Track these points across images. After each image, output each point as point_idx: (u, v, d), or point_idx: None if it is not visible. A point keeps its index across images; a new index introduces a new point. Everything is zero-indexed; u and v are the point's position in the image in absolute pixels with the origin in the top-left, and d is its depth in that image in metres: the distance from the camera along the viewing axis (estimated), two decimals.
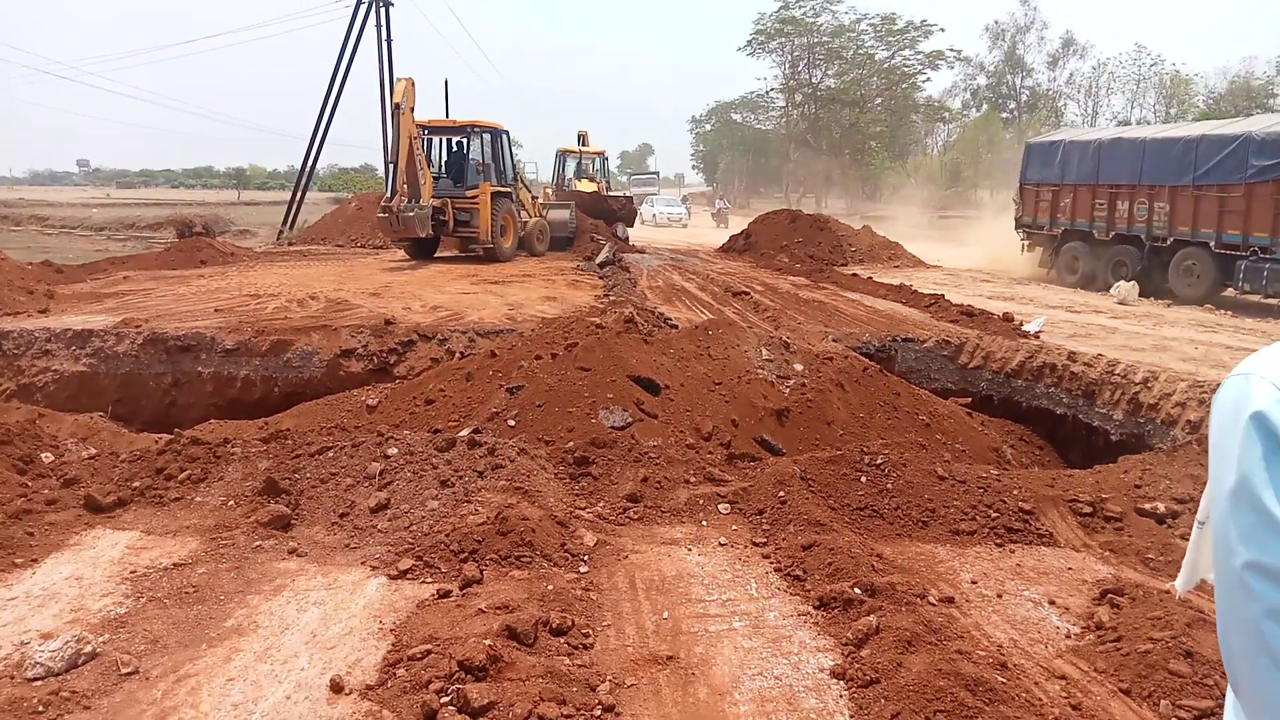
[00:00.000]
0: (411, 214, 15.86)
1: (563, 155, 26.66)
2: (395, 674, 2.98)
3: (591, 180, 26.29)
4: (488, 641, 3.03)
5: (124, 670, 3.01)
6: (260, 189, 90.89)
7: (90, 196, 69.97)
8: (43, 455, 5.07)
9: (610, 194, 26.99)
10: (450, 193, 17.05)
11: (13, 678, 2.93)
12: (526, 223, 19.02)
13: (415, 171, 15.99)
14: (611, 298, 12.18)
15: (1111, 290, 14.25)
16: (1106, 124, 66.23)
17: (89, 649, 3.07)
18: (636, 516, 4.62)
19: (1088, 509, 4.73)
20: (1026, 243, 18.57)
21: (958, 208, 63.59)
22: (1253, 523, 0.88)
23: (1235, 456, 0.91)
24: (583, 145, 26.59)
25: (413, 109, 16.14)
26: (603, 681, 3.00)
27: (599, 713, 2.83)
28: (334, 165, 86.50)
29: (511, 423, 6.07)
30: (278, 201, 44.06)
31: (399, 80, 16.18)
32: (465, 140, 17.73)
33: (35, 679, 2.91)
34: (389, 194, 16.28)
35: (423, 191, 16.14)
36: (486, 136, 17.71)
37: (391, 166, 16.34)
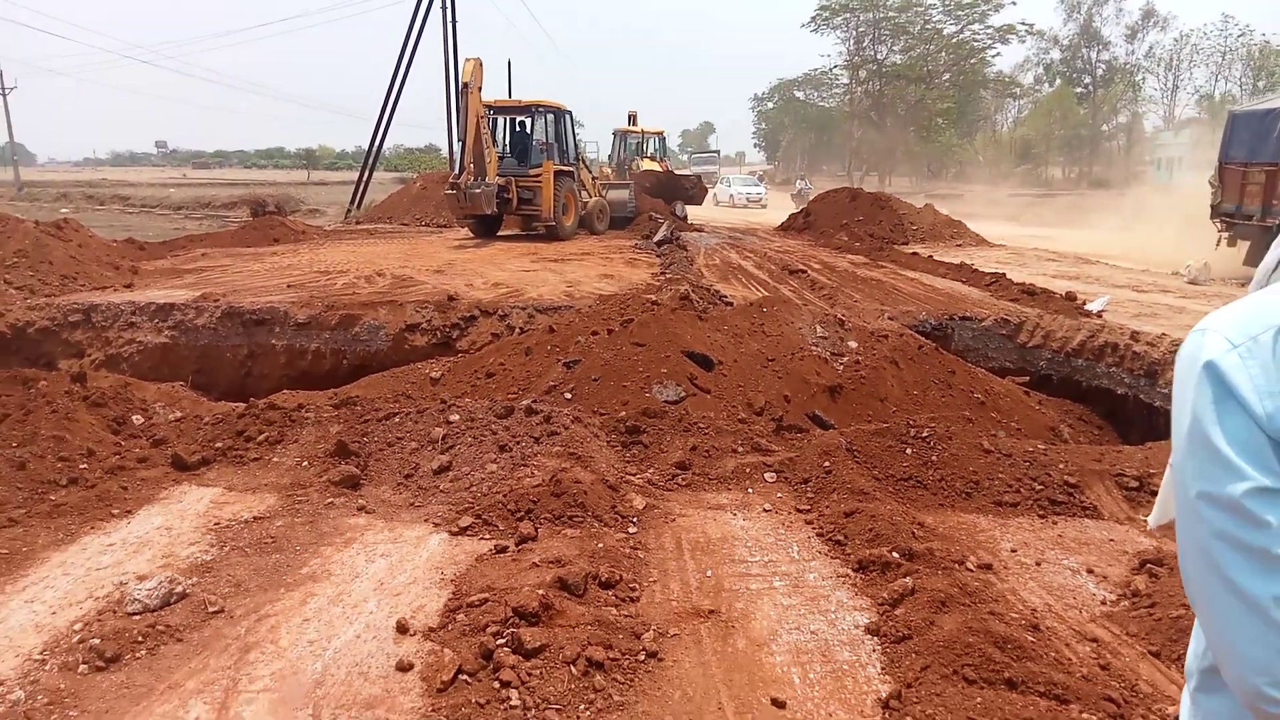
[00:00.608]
0: (478, 191, 16.21)
1: (622, 135, 26.74)
2: (455, 618, 3.21)
3: (653, 159, 26.37)
4: (541, 591, 3.23)
5: (211, 609, 3.30)
6: (329, 169, 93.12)
7: (168, 177, 72.60)
8: (134, 417, 5.45)
9: (681, 173, 27.14)
10: (514, 171, 17.36)
11: (114, 612, 3.25)
12: (587, 202, 19.27)
13: (482, 150, 16.32)
14: (668, 275, 12.32)
15: (1182, 269, 13.86)
16: (1187, 99, 63.68)
17: (180, 589, 3.37)
18: (684, 483, 4.78)
19: (1134, 484, 4.74)
20: (1226, 235, 15.34)
21: (1029, 186, 62.03)
22: (1204, 458, 1.02)
23: (1190, 401, 1.04)
24: (632, 125, 26.66)
25: (480, 88, 16.45)
26: (647, 630, 3.19)
27: (643, 658, 3.03)
28: (400, 145, 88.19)
29: (568, 395, 6.28)
30: (346, 181, 45.20)
31: (467, 60, 16.49)
32: (530, 120, 18.06)
33: (134, 614, 3.22)
34: (456, 172, 16.63)
35: (488, 170, 16.48)
36: (550, 116, 17.99)
37: (459, 145, 16.69)
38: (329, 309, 10.01)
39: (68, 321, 9.89)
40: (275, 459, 4.96)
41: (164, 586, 3.33)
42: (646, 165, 25.43)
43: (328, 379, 9.54)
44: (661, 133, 28.34)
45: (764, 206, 38.73)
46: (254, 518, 4.20)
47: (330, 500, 4.43)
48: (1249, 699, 0.98)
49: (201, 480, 4.71)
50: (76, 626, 3.14)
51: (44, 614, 3.26)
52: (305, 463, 4.86)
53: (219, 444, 5.09)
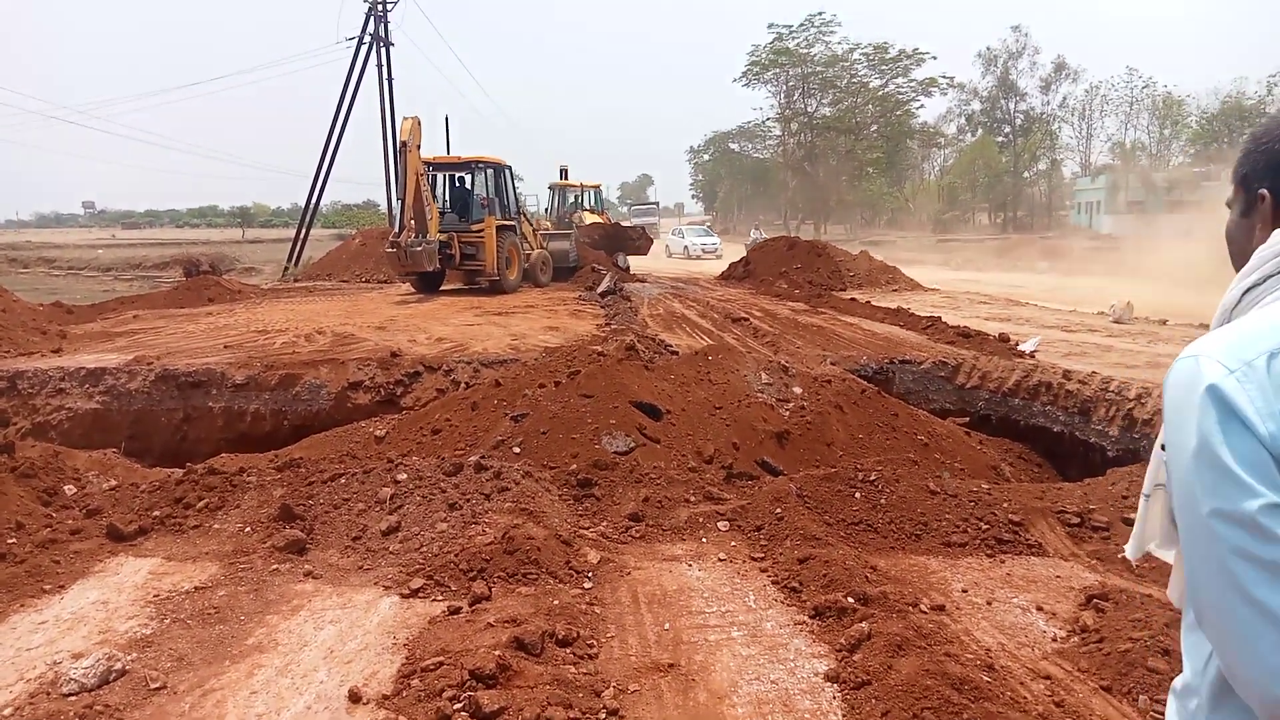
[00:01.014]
0: (419, 249, 16.23)
1: (560, 189, 26.95)
2: (410, 684, 3.13)
3: (593, 212, 26.65)
4: (497, 652, 3.18)
5: (153, 685, 3.17)
6: (264, 226, 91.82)
7: (96, 238, 70.78)
8: (66, 487, 5.25)
9: (626, 225, 27.52)
10: (456, 227, 17.45)
11: (48, 694, 3.09)
12: (530, 254, 19.39)
13: (422, 207, 16.36)
14: (613, 326, 12.39)
15: (1108, 309, 14.42)
16: (1101, 146, 66.93)
17: (119, 666, 3.23)
18: (638, 535, 4.77)
19: (1076, 519, 4.87)
20: None
21: (956, 231, 64.12)
22: (1213, 477, 1.06)
23: (1194, 423, 1.09)
24: (564, 179, 26.95)
25: (419, 146, 16.53)
26: (607, 688, 3.15)
27: (604, 716, 2.98)
28: (337, 202, 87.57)
29: (517, 449, 6.23)
30: (282, 239, 44.65)
31: (405, 119, 16.57)
32: (470, 176, 18.20)
33: (70, 694, 3.07)
34: (397, 230, 16.62)
35: (429, 226, 16.51)
36: (490, 172, 18.15)
37: (399, 203, 16.72)
38: (268, 369, 9.82)
39: None
40: (216, 526, 4.81)
41: (101, 664, 3.19)
42: (589, 218, 25.66)
43: (268, 441, 9.30)
44: (599, 186, 28.73)
45: (719, 258, 36.49)
46: (195, 588, 4.06)
47: (275, 566, 4.30)
48: (1271, 708, 1.01)
49: (139, 551, 4.53)
50: (7, 712, 2.98)
51: None
52: (248, 529, 4.72)
53: (156, 512, 4.92)
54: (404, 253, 16.30)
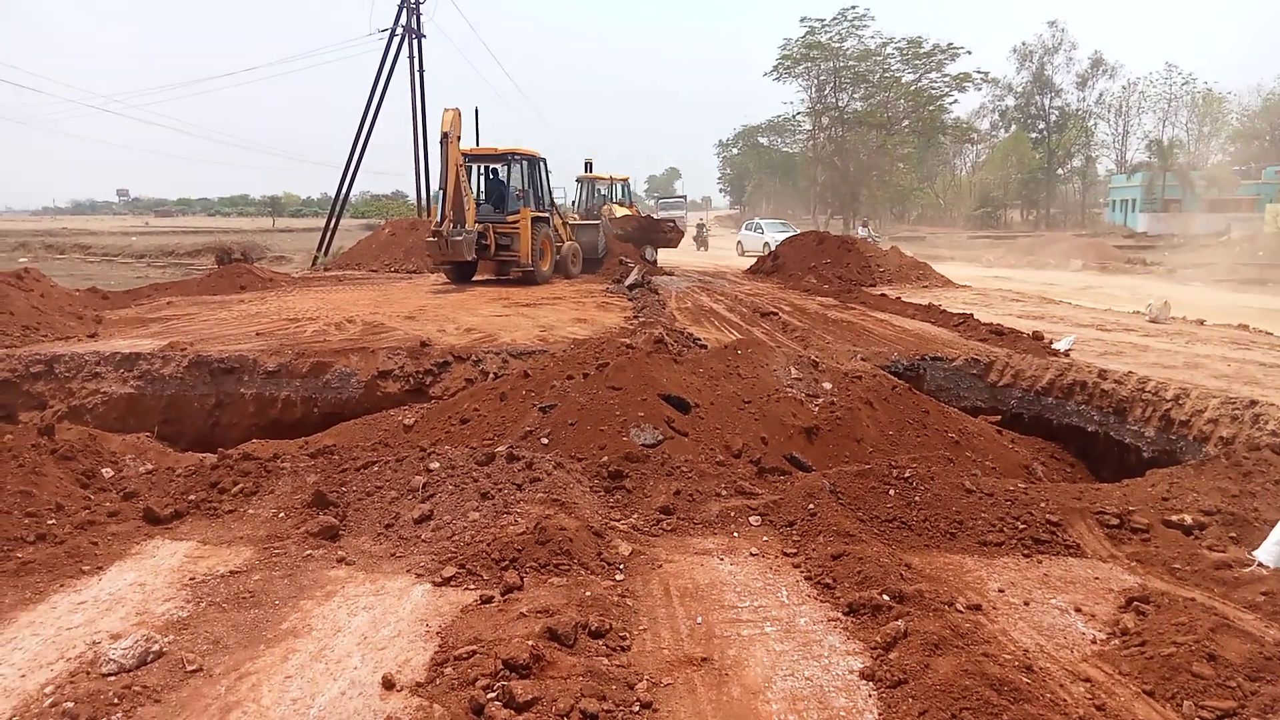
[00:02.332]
0: (459, 239, 16.53)
1: (589, 182, 26.87)
2: (443, 672, 3.14)
3: (622, 205, 26.58)
4: (530, 642, 3.17)
5: (189, 668, 3.19)
6: (294, 216, 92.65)
7: (130, 225, 71.82)
8: (103, 470, 5.32)
9: (659, 217, 27.40)
10: (491, 218, 17.65)
11: (88, 673, 3.13)
12: (561, 246, 19.56)
13: (461, 198, 16.60)
14: (641, 319, 12.36)
15: (1144, 308, 14.19)
16: (1137, 144, 65.90)
17: (156, 648, 3.26)
18: (669, 528, 4.75)
19: (1115, 521, 4.79)
20: None
21: (988, 228, 63.40)
22: None
23: None
24: (590, 172, 26.82)
25: (459, 138, 16.74)
26: (640, 680, 3.13)
27: (637, 709, 2.97)
28: (366, 192, 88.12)
29: (545, 440, 6.23)
30: (312, 228, 45.02)
31: (446, 110, 16.71)
32: (505, 167, 18.33)
33: (109, 674, 3.10)
34: (438, 219, 16.80)
35: (467, 217, 16.76)
36: (525, 164, 18.25)
37: (440, 193, 16.88)
38: (299, 356, 9.89)
39: (29, 373, 9.66)
40: (251, 511, 4.85)
41: (140, 645, 3.22)
42: (619, 211, 25.60)
43: (298, 427, 9.39)
44: (627, 179, 28.60)
45: None
46: (230, 572, 4.09)
47: (309, 552, 4.33)
48: None
49: (175, 534, 4.58)
50: (48, 690, 3.02)
51: (12, 677, 3.13)
52: (282, 514, 4.76)
53: (192, 496, 4.97)
54: (445, 242, 16.56)
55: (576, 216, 24.91)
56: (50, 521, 4.50)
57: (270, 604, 3.77)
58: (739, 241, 37.60)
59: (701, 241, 42.45)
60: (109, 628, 3.51)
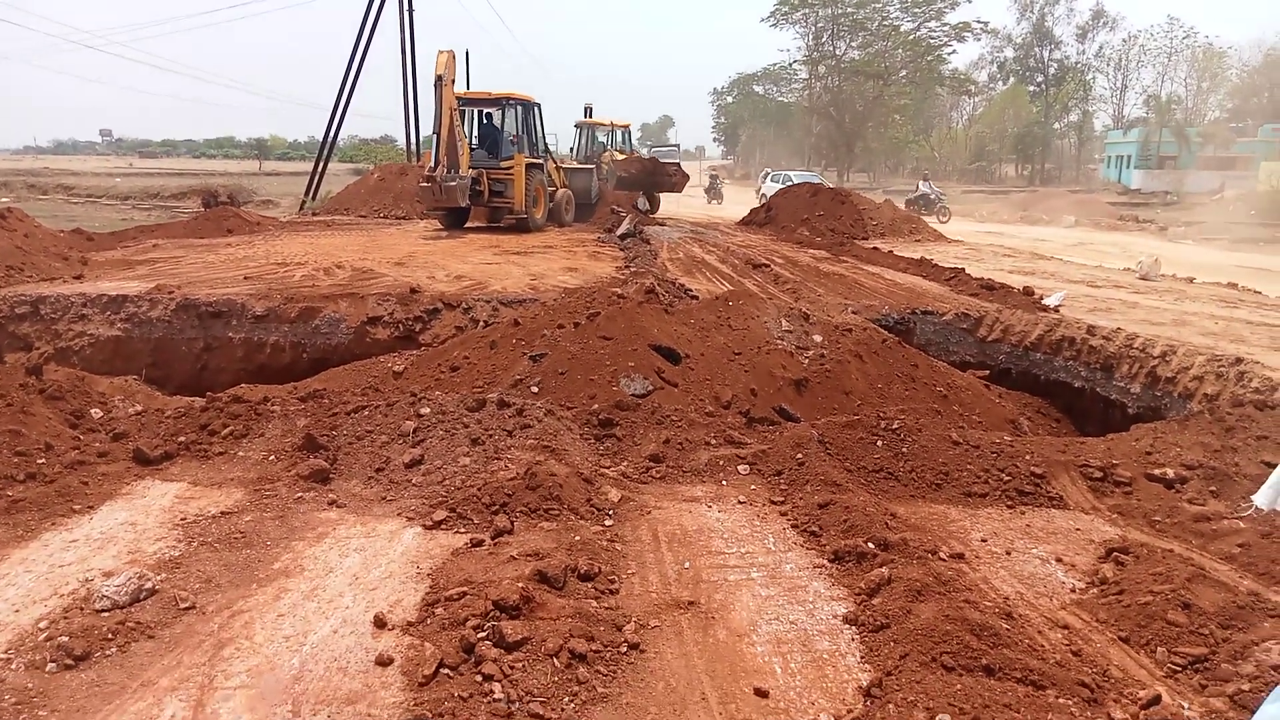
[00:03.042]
0: (453, 184, 16.27)
1: (589, 129, 26.18)
2: (434, 612, 3.19)
3: (621, 153, 26.18)
4: (520, 584, 3.22)
5: (182, 605, 3.23)
6: (281, 159, 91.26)
7: (114, 166, 70.61)
8: (92, 411, 5.31)
9: (666, 161, 26.72)
10: (485, 164, 17.39)
11: (81, 609, 3.16)
12: (555, 193, 19.35)
13: (455, 143, 16.31)
14: (632, 269, 12.31)
15: (1134, 265, 14.21)
16: (1135, 99, 65.37)
17: (149, 585, 3.30)
18: (659, 475, 4.79)
19: (1098, 474, 4.86)
20: None
21: (982, 182, 63.07)
22: None
23: None
24: (588, 117, 26.32)
25: (453, 81, 16.44)
26: (628, 622, 3.19)
27: (624, 649, 3.03)
28: (354, 136, 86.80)
29: (535, 389, 6.25)
30: (299, 172, 44.38)
31: (440, 52, 16.36)
32: (500, 112, 18.05)
33: (102, 610, 3.14)
34: (432, 164, 16.56)
35: (461, 163, 16.50)
36: (520, 109, 18.00)
37: (434, 138, 16.61)
38: (288, 301, 9.83)
39: (14, 314, 9.59)
40: (241, 453, 4.86)
41: (133, 583, 3.25)
42: (620, 158, 25.21)
43: (287, 372, 9.36)
44: (628, 126, 28.09)
45: None
46: (221, 513, 4.12)
47: (300, 495, 4.35)
48: None
49: (165, 475, 4.60)
50: (42, 625, 3.05)
51: (6, 612, 3.16)
52: (272, 457, 4.78)
53: (182, 438, 4.98)
54: (439, 187, 16.32)
55: (574, 162, 24.60)
56: (40, 461, 4.51)
57: (262, 544, 3.81)
58: (762, 194, 34.84)
59: (715, 194, 40.35)
60: (101, 565, 3.54)
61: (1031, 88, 66.39)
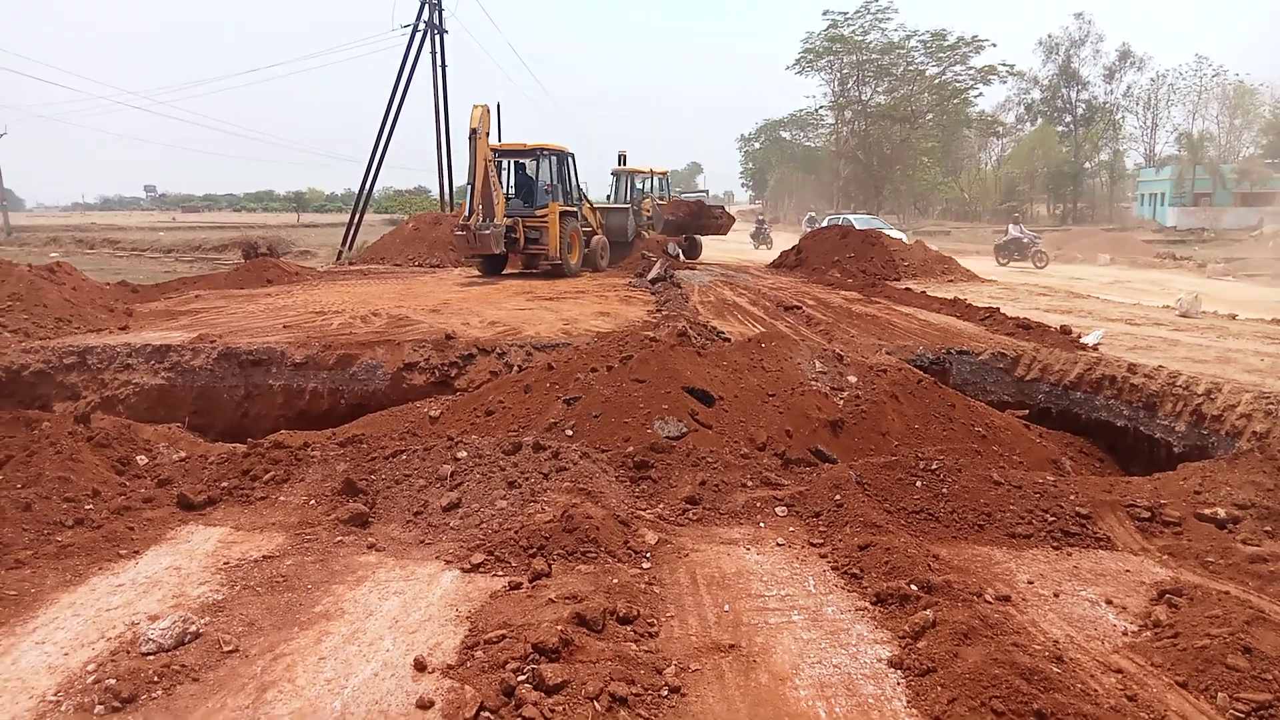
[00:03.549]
0: (488, 232, 16.82)
1: (628, 176, 26.26)
2: (474, 655, 3.17)
3: (662, 199, 26.34)
4: (559, 627, 3.20)
5: (225, 648, 3.25)
6: (319, 211, 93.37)
7: (157, 220, 72.72)
8: (138, 458, 5.41)
9: (711, 205, 26.87)
10: (520, 212, 17.97)
11: (128, 652, 3.19)
12: (590, 239, 19.86)
13: (490, 193, 16.88)
14: (664, 312, 12.37)
15: (1174, 302, 14.01)
16: (1166, 137, 64.99)
17: (194, 629, 3.32)
18: (695, 518, 4.77)
19: (1146, 514, 4.75)
20: None
21: (1014, 223, 62.66)
22: None
23: None
24: (621, 164, 26.59)
25: (488, 134, 17.06)
26: (668, 665, 3.15)
27: (665, 693, 2.99)
28: (389, 187, 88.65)
29: (569, 432, 6.27)
30: (336, 223, 45.36)
31: (475, 107, 17.00)
32: (535, 162, 18.60)
33: (148, 654, 3.16)
34: (467, 214, 17.15)
35: (496, 211, 17.05)
36: (554, 159, 18.55)
37: (469, 188, 17.15)
38: (326, 349, 9.99)
39: (63, 364, 9.83)
40: (282, 498, 4.92)
41: (177, 626, 3.28)
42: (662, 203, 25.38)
43: (326, 418, 9.48)
44: (665, 173, 28.24)
45: None
46: (263, 557, 4.16)
47: (340, 538, 4.38)
48: None
49: (208, 520, 4.66)
50: (90, 667, 3.09)
51: (56, 655, 3.20)
52: (313, 501, 4.82)
53: (224, 483, 5.05)
54: (473, 236, 16.89)
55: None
56: (88, 506, 4.60)
57: (303, 588, 3.83)
58: None
59: (763, 238, 39.12)
60: (147, 609, 3.58)
61: (1060, 128, 66.32)
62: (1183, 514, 4.75)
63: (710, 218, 25.09)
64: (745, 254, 32.46)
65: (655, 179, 27.26)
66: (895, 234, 28.98)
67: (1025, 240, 27.50)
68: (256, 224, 60.22)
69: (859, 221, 30.73)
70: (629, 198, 25.67)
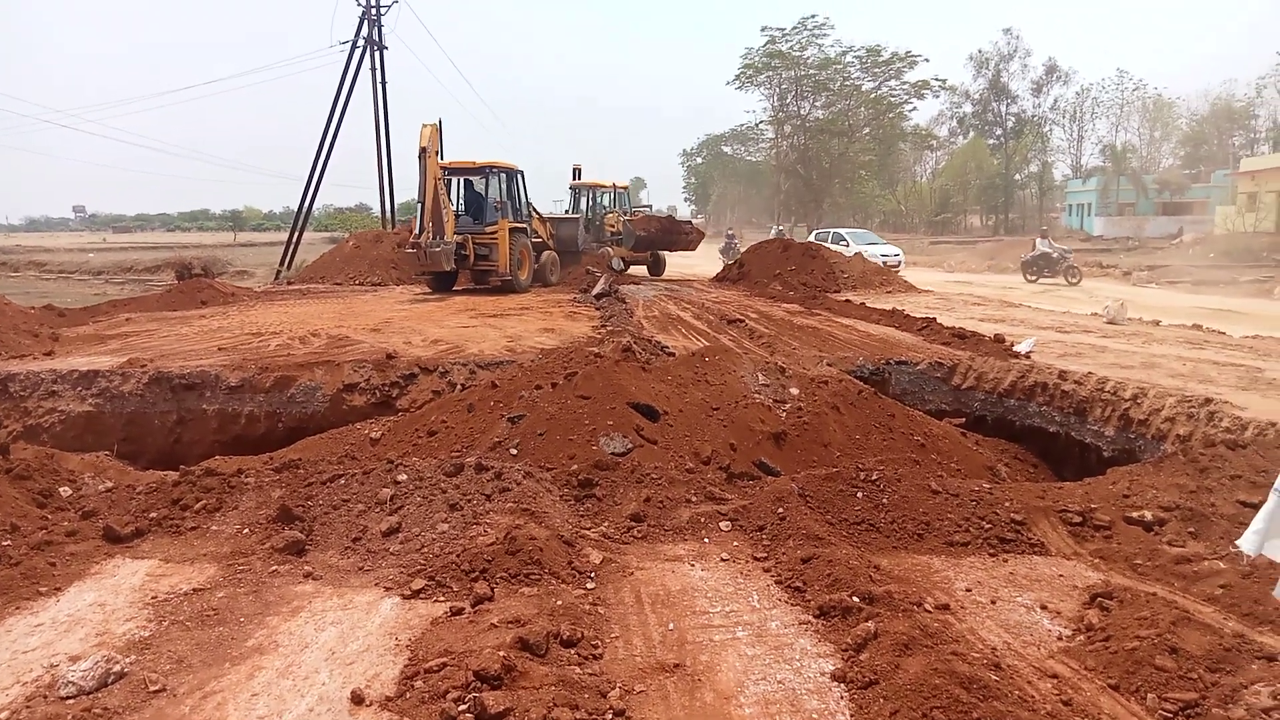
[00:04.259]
0: (438, 249, 16.94)
1: (589, 190, 25.86)
2: (413, 685, 3.10)
3: (632, 214, 25.96)
4: (501, 653, 3.15)
5: (152, 688, 3.13)
6: (256, 230, 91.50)
7: (87, 242, 70.50)
8: (61, 489, 5.20)
9: (681, 220, 26.77)
10: (470, 229, 18.06)
11: (45, 697, 3.05)
12: (540, 256, 20.01)
13: (440, 210, 16.94)
14: (609, 328, 12.36)
15: (1101, 309, 14.47)
16: (1091, 149, 67.35)
17: (117, 669, 3.19)
18: (640, 535, 4.75)
19: (1078, 519, 4.87)
20: None
21: (948, 233, 64.26)
22: None
23: None
24: (578, 179, 26.44)
25: (438, 152, 17.14)
26: (613, 688, 3.12)
27: (610, 717, 2.96)
28: (329, 205, 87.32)
29: (514, 451, 6.20)
30: (274, 242, 44.52)
31: (424, 125, 17.10)
32: (484, 180, 18.76)
33: (68, 697, 3.02)
34: (416, 231, 17.21)
35: (446, 229, 17.09)
36: (503, 176, 18.74)
37: (419, 206, 17.15)
38: (263, 371, 9.75)
39: None
40: (214, 527, 4.77)
41: (100, 666, 3.15)
42: (609, 218, 25.07)
43: (263, 443, 9.24)
44: (627, 187, 28.14)
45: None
46: (194, 590, 4.02)
47: (274, 568, 4.26)
48: None
49: (136, 552, 4.49)
50: (3, 716, 2.94)
51: None
52: (246, 530, 4.68)
53: (153, 514, 4.88)
54: (424, 253, 16.97)
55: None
56: (5, 542, 4.39)
57: (235, 621, 3.71)
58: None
59: (733, 253, 36.01)
60: (68, 649, 3.43)
61: (991, 140, 68.32)
62: (1112, 518, 4.88)
63: (681, 233, 25.05)
64: (690, 268, 32.63)
65: (615, 193, 26.96)
66: (893, 250, 29.56)
67: (1055, 255, 26.24)
68: (191, 244, 58.80)
69: (854, 238, 29.94)
70: (590, 214, 25.39)
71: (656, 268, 26.37)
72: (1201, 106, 63.16)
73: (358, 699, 3.06)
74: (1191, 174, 61.05)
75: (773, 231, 43.57)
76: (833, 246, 26.70)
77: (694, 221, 27.51)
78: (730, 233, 43.09)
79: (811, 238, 31.07)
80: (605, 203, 26.30)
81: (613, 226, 24.86)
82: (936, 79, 61.81)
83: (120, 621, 3.69)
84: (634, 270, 25.32)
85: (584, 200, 25.93)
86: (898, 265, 27.63)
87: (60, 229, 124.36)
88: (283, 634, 3.60)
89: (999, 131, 68.47)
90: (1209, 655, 3.19)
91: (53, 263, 43.73)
